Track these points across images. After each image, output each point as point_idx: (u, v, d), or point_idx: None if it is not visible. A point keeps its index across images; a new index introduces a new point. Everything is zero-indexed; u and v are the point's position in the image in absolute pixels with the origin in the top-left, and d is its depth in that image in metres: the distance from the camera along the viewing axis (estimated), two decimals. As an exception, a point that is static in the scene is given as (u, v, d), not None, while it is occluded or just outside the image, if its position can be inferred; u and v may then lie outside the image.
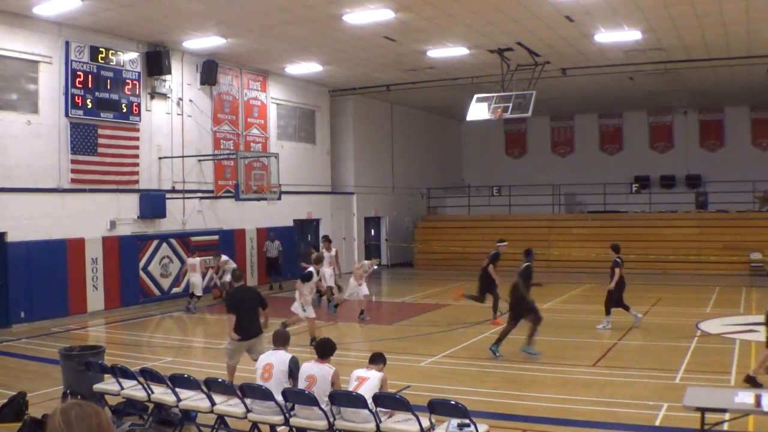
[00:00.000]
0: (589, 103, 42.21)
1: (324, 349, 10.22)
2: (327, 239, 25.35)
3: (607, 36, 25.43)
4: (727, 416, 10.25)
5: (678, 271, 33.51)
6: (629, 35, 25.37)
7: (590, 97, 39.47)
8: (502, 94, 26.29)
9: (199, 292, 24.44)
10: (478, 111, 26.14)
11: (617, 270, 19.67)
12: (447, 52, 27.57)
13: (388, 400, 9.63)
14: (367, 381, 9.75)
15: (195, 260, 24.71)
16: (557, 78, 30.86)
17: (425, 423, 9.13)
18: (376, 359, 10.30)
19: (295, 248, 32.26)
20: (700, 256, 34.51)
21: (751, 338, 17.97)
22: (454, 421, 9.12)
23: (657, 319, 21.29)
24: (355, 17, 22.75)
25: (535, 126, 46.10)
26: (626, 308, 20.00)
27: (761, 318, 20.88)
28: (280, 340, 10.78)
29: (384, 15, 22.53)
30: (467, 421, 8.98)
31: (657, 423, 11.41)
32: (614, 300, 19.87)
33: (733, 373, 14.75)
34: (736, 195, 37.76)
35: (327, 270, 23.64)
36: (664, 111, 44.56)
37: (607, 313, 19.89)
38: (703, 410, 9.43)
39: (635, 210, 40.77)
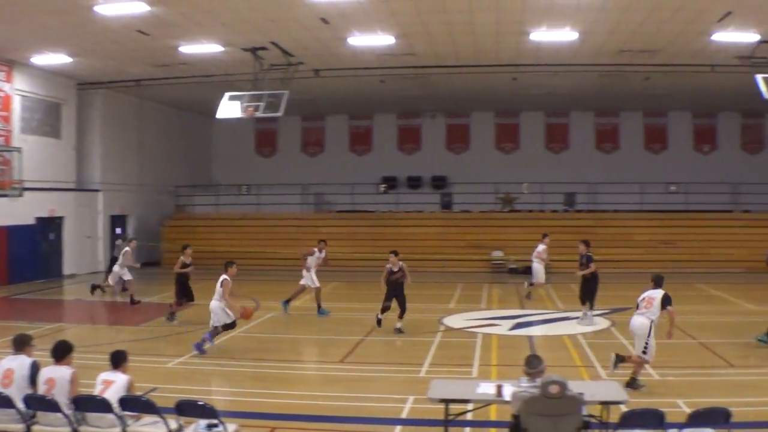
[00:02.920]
0: (341, 105, 42.73)
1: (60, 352, 9.75)
2: (323, 242, 24.10)
3: (360, 39, 25.85)
4: (470, 406, 10.60)
5: (423, 268, 34.40)
6: (383, 39, 25.89)
7: (342, 99, 39.98)
8: (254, 92, 26.16)
9: None
10: (230, 109, 25.92)
11: (592, 265, 20.44)
12: (201, 48, 27.09)
13: (135, 403, 9.34)
14: (113, 384, 9.42)
15: None
16: (310, 79, 30.98)
17: (173, 425, 8.94)
18: (117, 359, 9.89)
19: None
20: (445, 255, 35.67)
21: (492, 332, 18.83)
22: (203, 422, 8.97)
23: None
24: (108, 9, 21.92)
25: (287, 126, 46.15)
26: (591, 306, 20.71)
27: (502, 312, 21.98)
28: (20, 344, 10.16)
29: (138, 8, 21.85)
30: (216, 421, 8.87)
31: (404, 416, 11.68)
32: (588, 293, 20.59)
33: (475, 366, 15.35)
34: (480, 196, 39.44)
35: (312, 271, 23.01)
36: (413, 114, 45.85)
37: (582, 304, 20.71)
38: (447, 401, 9.73)
39: (383, 210, 41.64)
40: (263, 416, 11.63)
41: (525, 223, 38.26)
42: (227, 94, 26.23)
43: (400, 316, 19.14)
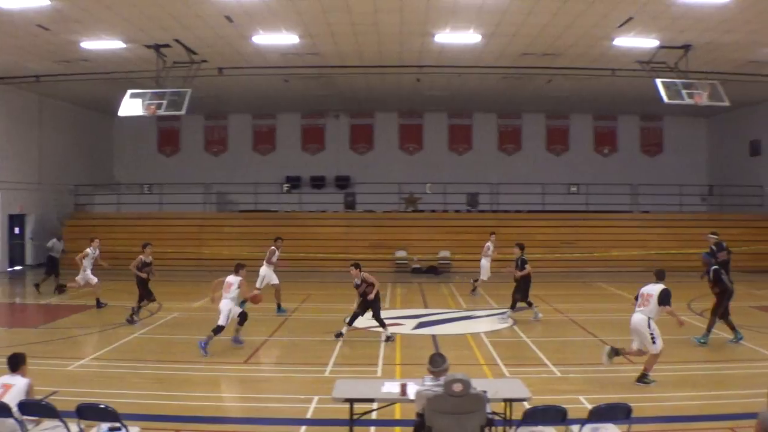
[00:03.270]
0: (245, 104, 42.43)
1: None
2: (280, 239, 23.61)
3: (265, 38, 25.73)
4: (375, 405, 10.63)
5: (327, 268, 34.48)
6: (287, 38, 25.81)
7: (246, 98, 39.73)
8: (156, 90, 25.83)
9: None
10: (132, 107, 25.57)
11: (527, 266, 21.20)
12: (102, 44, 26.57)
13: (35, 407, 9.11)
14: (12, 388, 9.17)
15: None
16: (214, 77, 30.69)
17: (74, 429, 8.77)
18: (16, 362, 9.64)
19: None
20: (348, 255, 35.69)
21: (396, 331, 18.85)
22: (105, 425, 8.82)
23: (306, 315, 21.76)
24: (7, 2, 21.42)
25: (190, 124, 45.64)
26: (530, 304, 21.33)
27: (406, 312, 22.09)
28: None
29: (38, 2, 21.38)
30: (118, 424, 8.73)
31: (308, 416, 11.65)
32: (522, 292, 21.21)
33: (380, 365, 15.39)
34: (384, 196, 39.62)
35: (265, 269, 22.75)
36: (317, 114, 45.79)
37: (514, 304, 21.39)
38: (351, 401, 9.74)
39: (286, 209, 41.58)
40: (166, 419, 11.47)
41: (428, 223, 38.68)
42: (129, 92, 25.84)
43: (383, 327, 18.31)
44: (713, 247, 21.17)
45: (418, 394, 8.77)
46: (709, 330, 18.03)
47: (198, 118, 45.52)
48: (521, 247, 21.80)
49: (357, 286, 18.11)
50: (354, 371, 14.67)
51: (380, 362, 15.71)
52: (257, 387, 13.69)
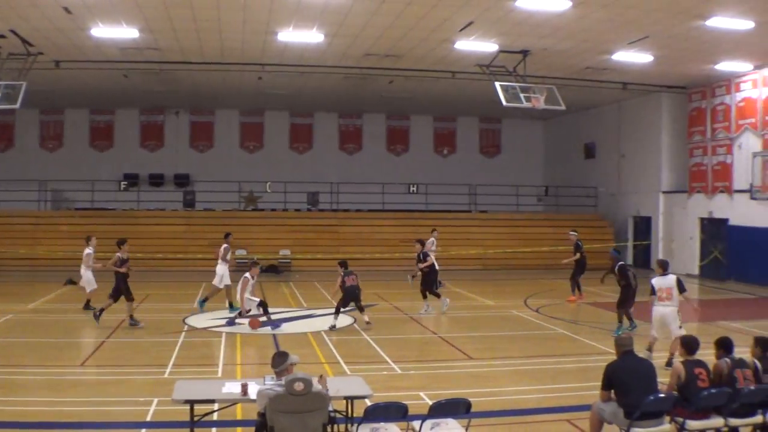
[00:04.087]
0: (82, 98, 41.10)
1: None
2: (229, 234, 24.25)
3: (104, 31, 24.96)
4: (216, 406, 10.51)
5: (166, 267, 33.87)
6: (127, 32, 25.15)
7: (83, 92, 38.55)
8: (-12, 82, 24.90)
9: None
10: (-37, 99, 24.55)
11: (429, 259, 22.56)
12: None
13: None
14: None
15: None
16: (50, 70, 29.61)
17: None
18: None
19: None
20: (188, 254, 35.22)
21: (236, 331, 18.74)
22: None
23: (146, 315, 21.22)
24: None
25: (24, 119, 43.75)
26: (437, 296, 22.67)
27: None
28: None
29: None
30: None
31: (148, 418, 11.41)
32: (429, 284, 22.57)
33: (220, 365, 15.27)
34: (224, 195, 39.28)
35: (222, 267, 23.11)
36: (157, 110, 44.89)
37: (424, 297, 22.61)
38: (192, 402, 9.59)
39: (124, 207, 40.68)
40: (2, 425, 11.04)
41: (268, 222, 38.57)
42: (-40, 84, 24.79)
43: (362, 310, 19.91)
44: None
45: (260, 393, 8.72)
46: (630, 320, 19.26)
47: (33, 113, 43.72)
48: (422, 243, 23.20)
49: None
50: (194, 372, 14.45)
51: (221, 362, 15.58)
52: (95, 390, 13.29)
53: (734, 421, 9.62)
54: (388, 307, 23.68)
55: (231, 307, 22.43)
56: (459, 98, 39.33)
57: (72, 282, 26.46)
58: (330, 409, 8.68)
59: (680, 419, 9.45)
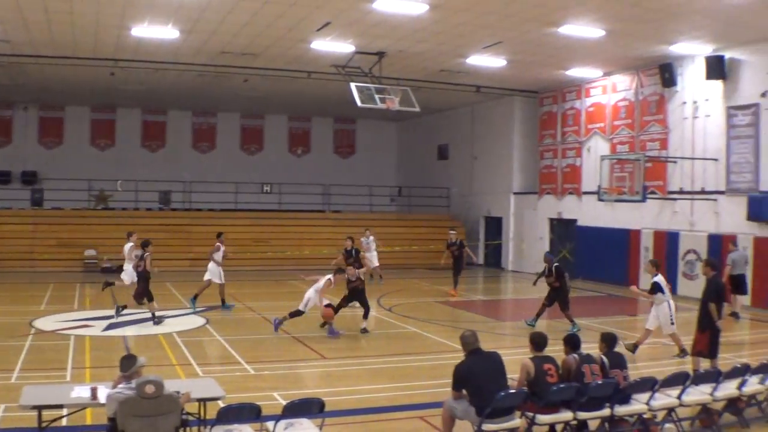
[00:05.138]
0: None
1: None
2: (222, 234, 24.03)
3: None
4: (65, 411, 10.25)
5: (11, 268, 32.77)
6: (-27, 23, 24.29)
7: None
8: None
9: None
10: None
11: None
12: None
13: None
14: None
15: None
16: None
17: None
18: None
19: None
20: (35, 254, 34.20)
21: (85, 333, 18.32)
22: None
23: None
24: None
25: None
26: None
27: (96, 313, 21.46)
28: None
29: None
30: None
31: (-6, 425, 11.06)
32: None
33: (69, 369, 14.83)
34: (73, 193, 38.27)
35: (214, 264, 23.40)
36: (4, 105, 43.30)
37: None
38: (40, 408, 9.31)
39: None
40: None
41: (119, 221, 37.58)
42: None
43: (365, 317, 19.75)
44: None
45: (109, 397, 8.54)
46: (538, 315, 20.22)
47: None
48: (353, 240, 25.41)
49: (350, 282, 19.79)
50: (42, 376, 14.04)
51: (69, 366, 15.16)
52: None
53: (583, 415, 9.99)
54: (240, 307, 23.52)
55: (224, 304, 22.85)
56: (314, 98, 39.44)
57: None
58: (182, 411, 8.59)
59: (530, 414, 9.76)
